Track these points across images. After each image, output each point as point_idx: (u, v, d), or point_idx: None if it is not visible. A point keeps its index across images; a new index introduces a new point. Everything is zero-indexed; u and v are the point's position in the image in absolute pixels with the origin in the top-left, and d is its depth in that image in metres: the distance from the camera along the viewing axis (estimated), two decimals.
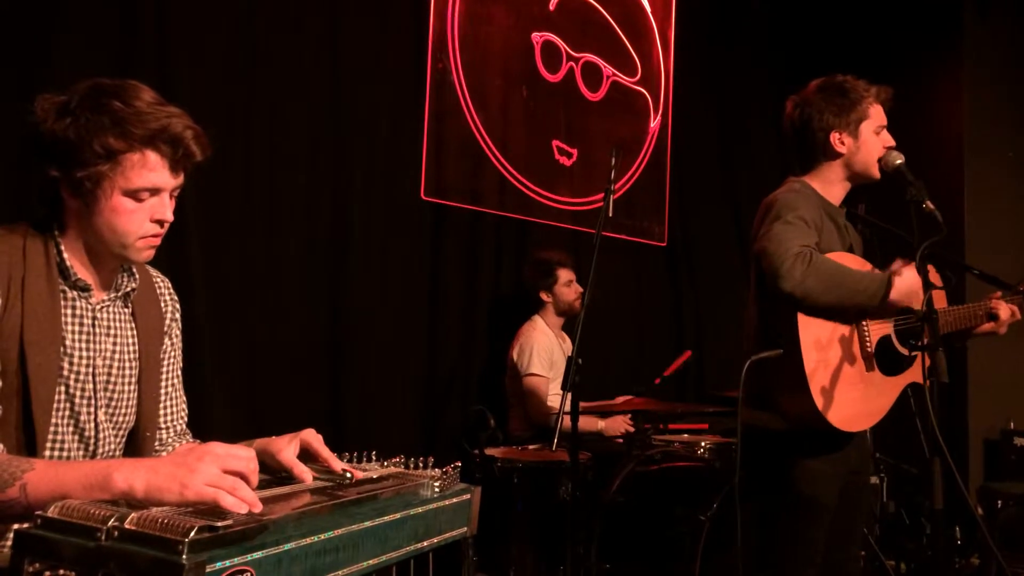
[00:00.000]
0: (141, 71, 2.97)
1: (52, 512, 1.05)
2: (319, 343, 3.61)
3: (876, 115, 2.50)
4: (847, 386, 2.35)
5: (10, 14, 2.77)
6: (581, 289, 4.06)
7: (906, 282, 2.31)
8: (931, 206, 2.27)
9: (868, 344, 2.42)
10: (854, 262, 2.44)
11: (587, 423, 3.92)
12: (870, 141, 2.48)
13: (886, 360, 2.47)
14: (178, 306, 1.83)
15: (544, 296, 4.13)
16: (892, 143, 2.50)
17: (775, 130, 5.43)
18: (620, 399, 4.15)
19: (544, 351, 3.99)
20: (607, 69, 4.89)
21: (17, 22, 2.78)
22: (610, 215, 2.76)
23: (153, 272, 1.80)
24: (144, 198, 1.53)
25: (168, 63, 3.15)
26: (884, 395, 2.47)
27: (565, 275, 4.12)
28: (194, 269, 3.16)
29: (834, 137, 2.48)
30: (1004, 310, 2.61)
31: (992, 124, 5.33)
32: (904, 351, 2.48)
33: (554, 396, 3.93)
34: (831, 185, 2.52)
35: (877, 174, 2.50)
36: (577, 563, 2.97)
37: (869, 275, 2.34)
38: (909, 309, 2.39)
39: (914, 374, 2.52)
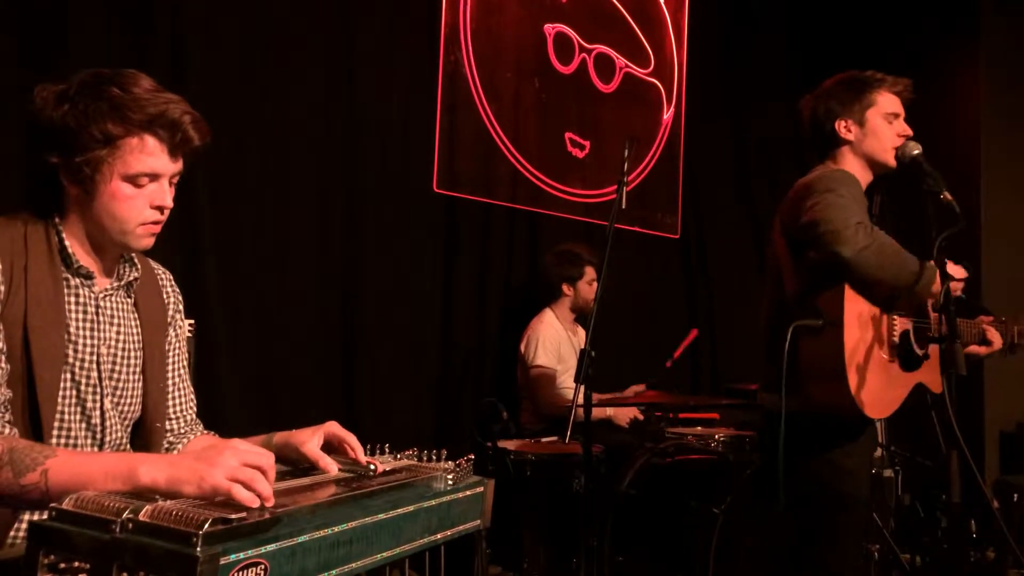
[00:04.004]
0: (155, 65, 2.98)
1: (67, 504, 1.06)
2: (332, 336, 3.62)
3: (887, 103, 2.48)
4: (875, 370, 2.35)
5: (25, 12, 2.78)
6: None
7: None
8: (948, 197, 2.25)
9: (893, 334, 2.43)
10: None
11: (596, 410, 3.91)
12: (879, 128, 2.47)
13: (903, 355, 2.47)
14: (180, 298, 1.83)
15: (565, 288, 4.10)
16: (908, 132, 2.48)
17: (790, 121, 5.42)
18: (632, 389, 4.13)
19: (550, 343, 3.98)
20: (620, 61, 4.87)
21: (32, 19, 2.79)
22: (623, 207, 2.75)
23: (154, 264, 1.80)
24: (143, 183, 1.53)
25: (182, 57, 3.16)
26: (900, 387, 2.47)
27: (591, 273, 4.07)
28: (208, 263, 3.16)
29: (840, 125, 2.49)
30: (996, 339, 2.65)
31: (1009, 114, 5.28)
32: (919, 350, 2.49)
33: (565, 389, 3.92)
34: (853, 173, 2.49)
35: (892, 162, 2.48)
36: (590, 555, 2.97)
37: (920, 262, 2.32)
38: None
39: (924, 375, 2.52)
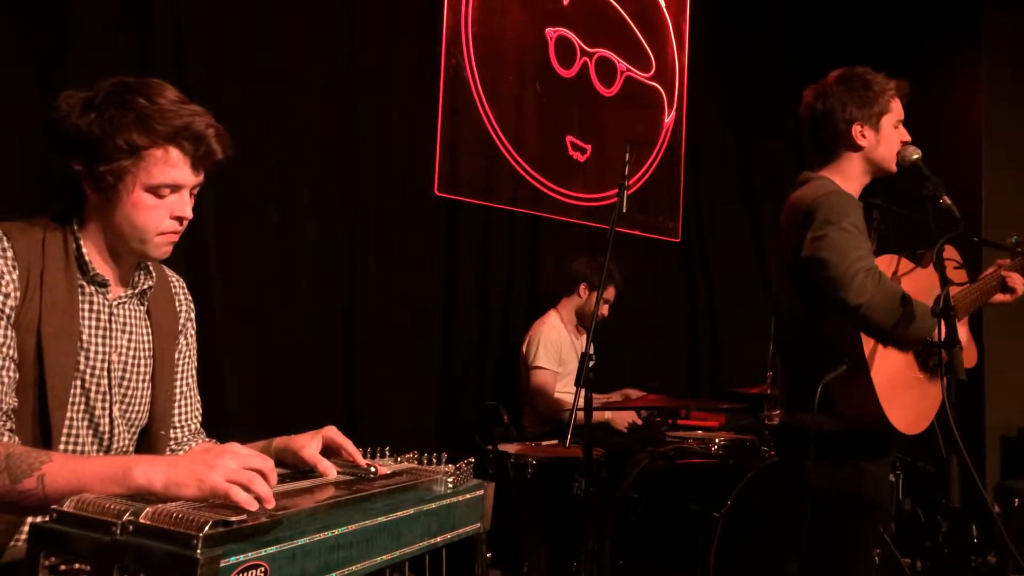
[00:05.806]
0: (157, 69, 2.98)
1: (67, 506, 1.06)
2: (334, 339, 3.62)
3: (896, 109, 2.47)
4: (906, 390, 2.33)
5: (27, 13, 2.79)
6: (606, 314, 4.04)
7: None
8: (948, 201, 2.25)
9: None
10: (888, 262, 2.42)
11: (594, 413, 3.90)
12: (890, 135, 2.44)
13: (922, 363, 2.45)
14: (192, 306, 1.83)
15: (582, 289, 4.11)
16: (908, 138, 2.47)
17: (790, 124, 5.42)
18: (624, 392, 4.13)
19: (552, 345, 3.98)
20: (621, 64, 4.88)
21: (34, 21, 2.80)
22: (624, 211, 2.75)
23: (168, 272, 1.80)
24: (165, 194, 1.54)
25: (184, 60, 3.16)
26: (932, 396, 2.44)
27: (610, 292, 4.08)
28: (210, 267, 3.18)
29: (856, 129, 2.43)
30: (1019, 283, 2.58)
31: (1010, 118, 5.28)
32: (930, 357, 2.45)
33: (566, 393, 3.92)
34: (850, 180, 2.46)
35: (894, 168, 2.46)
36: (590, 559, 2.97)
37: (929, 310, 2.26)
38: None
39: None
